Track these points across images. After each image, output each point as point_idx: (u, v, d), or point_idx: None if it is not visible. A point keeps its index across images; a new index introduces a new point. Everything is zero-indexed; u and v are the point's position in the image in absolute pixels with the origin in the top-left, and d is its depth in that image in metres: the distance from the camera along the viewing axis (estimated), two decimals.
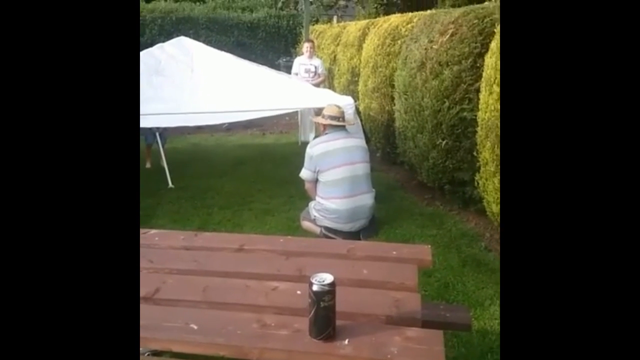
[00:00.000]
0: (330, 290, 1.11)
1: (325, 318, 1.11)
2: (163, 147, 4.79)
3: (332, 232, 3.24)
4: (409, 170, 4.48)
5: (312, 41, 6.52)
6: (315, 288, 1.11)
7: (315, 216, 3.30)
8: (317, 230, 3.30)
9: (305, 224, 3.41)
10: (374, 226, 3.40)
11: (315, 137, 4.01)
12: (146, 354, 1.64)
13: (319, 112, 3.77)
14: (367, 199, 3.28)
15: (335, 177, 3.20)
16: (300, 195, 3.78)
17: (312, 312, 1.11)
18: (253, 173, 5.06)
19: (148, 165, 5.21)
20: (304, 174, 3.33)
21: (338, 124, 3.36)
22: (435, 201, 4.00)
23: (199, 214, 3.86)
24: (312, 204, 3.35)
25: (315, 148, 3.29)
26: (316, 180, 3.30)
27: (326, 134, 3.35)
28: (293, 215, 3.72)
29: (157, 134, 4.72)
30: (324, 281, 1.11)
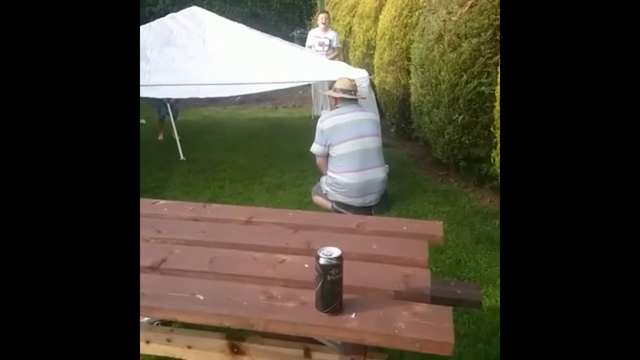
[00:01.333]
0: (337, 264, 1.08)
1: (331, 291, 1.09)
2: (175, 119, 4.77)
3: (343, 207, 3.21)
4: (424, 146, 4.40)
5: (327, 12, 6.37)
6: (322, 261, 1.08)
7: (326, 190, 3.27)
8: (329, 205, 3.28)
9: (317, 199, 3.39)
10: (385, 202, 3.37)
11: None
12: (155, 324, 1.65)
13: (332, 85, 3.71)
14: (378, 173, 3.24)
15: (345, 150, 3.16)
16: (312, 170, 3.74)
17: (319, 285, 1.09)
18: (265, 147, 5.03)
19: (160, 137, 5.21)
20: (315, 148, 3.30)
21: (350, 97, 3.30)
22: (449, 178, 3.94)
23: (211, 187, 3.86)
24: (323, 179, 3.33)
25: (326, 122, 3.25)
26: (327, 155, 3.27)
27: (337, 107, 3.30)
28: (304, 190, 3.70)
29: (169, 105, 4.69)
30: (331, 255, 1.09)
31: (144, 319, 1.71)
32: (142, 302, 1.16)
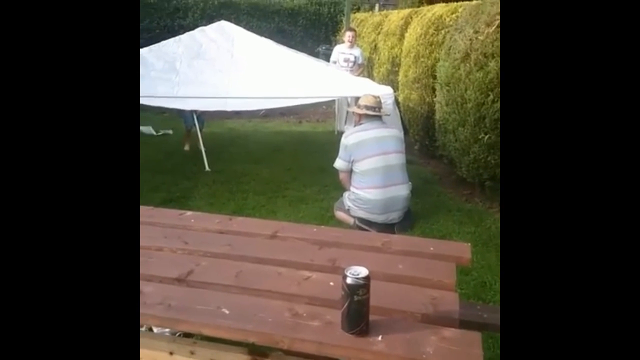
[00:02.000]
0: (364, 284, 1.07)
1: (358, 312, 1.08)
2: (201, 130, 4.85)
3: (365, 224, 3.19)
4: (448, 165, 4.37)
5: (354, 30, 6.42)
6: (349, 281, 1.07)
7: (349, 206, 3.26)
8: (351, 221, 3.27)
9: (339, 214, 3.38)
10: (409, 220, 3.33)
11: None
12: (177, 334, 1.66)
13: (357, 101, 3.73)
14: (402, 190, 3.22)
15: (369, 166, 3.16)
16: (335, 185, 3.74)
17: (345, 305, 1.08)
18: (288, 160, 5.06)
19: (186, 148, 5.29)
20: (339, 163, 3.30)
21: (374, 113, 3.30)
22: (474, 197, 3.88)
23: (235, 199, 3.89)
24: (346, 194, 3.32)
25: (350, 138, 3.26)
26: (350, 171, 3.27)
27: (361, 124, 3.31)
28: (327, 204, 3.69)
29: (195, 117, 4.77)
30: (358, 274, 1.08)
31: (165, 330, 1.73)
32: (169, 314, 1.18)
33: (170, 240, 1.57)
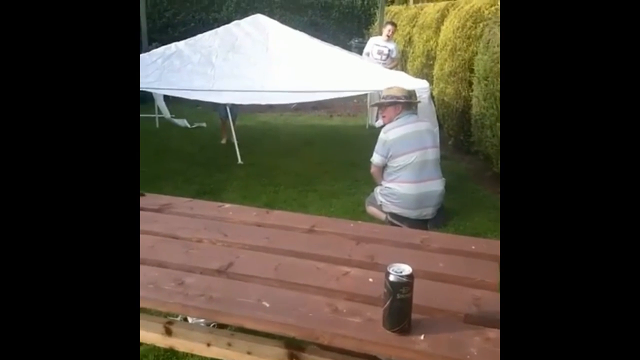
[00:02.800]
0: (408, 282, 1.06)
1: (400, 310, 1.06)
2: (234, 123, 4.90)
3: (397, 219, 3.16)
4: (484, 161, 4.27)
5: (394, 24, 6.32)
6: (392, 278, 1.06)
7: (381, 202, 3.23)
8: (383, 216, 3.24)
9: (371, 209, 3.35)
10: (442, 216, 3.28)
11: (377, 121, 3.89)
12: (212, 325, 1.68)
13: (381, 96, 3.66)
14: (436, 185, 3.17)
15: (406, 162, 3.12)
16: (366, 179, 3.71)
17: (388, 303, 1.07)
18: (319, 154, 5.05)
19: (223, 141, 5.32)
20: (375, 158, 3.25)
21: (412, 101, 3.27)
22: None
23: (266, 192, 3.92)
24: (377, 189, 3.29)
25: (390, 133, 3.19)
26: (384, 165, 3.24)
27: (399, 117, 3.25)
28: (358, 199, 3.67)
29: (228, 109, 4.80)
30: (401, 272, 1.06)
31: (200, 320, 1.75)
32: (210, 306, 1.19)
33: (210, 232, 1.59)
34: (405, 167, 3.12)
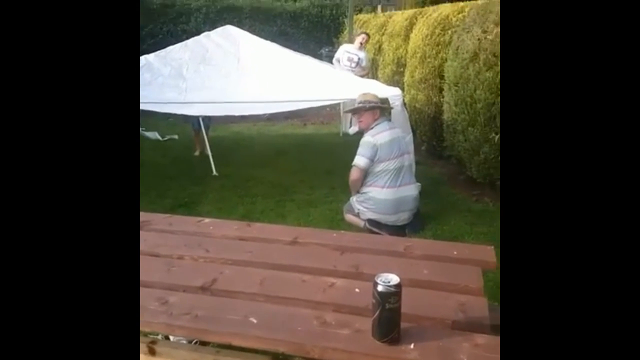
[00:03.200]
0: (396, 292, 1.06)
1: (390, 320, 1.07)
2: (207, 134, 4.84)
3: (375, 226, 3.18)
4: (457, 165, 4.35)
5: (368, 34, 6.40)
6: (380, 289, 1.06)
7: (358, 209, 3.25)
8: (361, 223, 3.25)
9: (349, 217, 3.37)
10: (419, 221, 3.32)
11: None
12: (194, 342, 1.64)
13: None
14: (411, 190, 3.22)
15: (388, 167, 3.14)
16: (343, 187, 3.72)
17: (377, 313, 1.07)
18: (295, 163, 5.05)
19: (197, 153, 5.27)
20: (361, 161, 3.16)
21: (389, 107, 3.33)
22: (484, 197, 3.87)
23: (243, 203, 3.88)
24: (354, 198, 3.30)
25: (379, 137, 3.16)
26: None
27: (377, 124, 3.24)
28: (336, 207, 3.68)
29: (200, 120, 4.75)
30: (389, 282, 1.07)
31: (181, 339, 1.71)
32: (197, 325, 1.17)
33: (191, 248, 1.56)
34: (386, 172, 3.15)
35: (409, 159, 3.28)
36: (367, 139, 3.21)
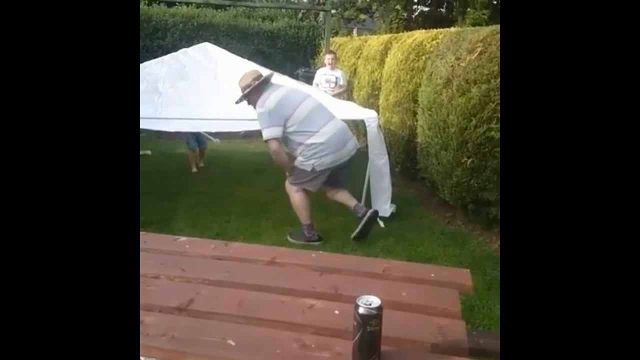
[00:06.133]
0: (377, 314, 1.06)
1: (371, 343, 1.06)
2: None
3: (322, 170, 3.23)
4: (430, 187, 4.43)
5: (334, 53, 6.55)
6: (361, 311, 1.06)
7: (312, 165, 3.21)
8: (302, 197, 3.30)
9: (290, 188, 3.40)
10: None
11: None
12: None
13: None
14: (337, 122, 3.27)
15: (302, 114, 3.14)
16: (319, 206, 3.73)
17: (357, 336, 1.06)
18: (270, 181, 5.02)
19: (194, 169, 5.36)
20: (270, 132, 3.09)
21: (268, 77, 3.32)
22: (456, 220, 3.94)
23: (217, 221, 3.83)
24: (299, 160, 3.24)
25: (268, 102, 3.13)
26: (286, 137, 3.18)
27: (265, 93, 3.23)
28: None
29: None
30: (370, 304, 1.07)
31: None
32: (174, 346, 1.14)
33: (167, 267, 1.53)
34: (307, 119, 3.13)
35: (314, 99, 3.30)
36: (258, 111, 3.15)
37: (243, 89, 3.31)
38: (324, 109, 3.32)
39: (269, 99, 3.17)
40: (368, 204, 3.87)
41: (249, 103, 3.38)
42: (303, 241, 3.39)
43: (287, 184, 3.46)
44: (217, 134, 6.56)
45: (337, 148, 3.23)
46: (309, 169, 3.25)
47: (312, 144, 3.17)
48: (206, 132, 5.89)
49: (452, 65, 3.83)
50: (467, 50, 3.72)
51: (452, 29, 4.68)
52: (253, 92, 3.26)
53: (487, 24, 8.39)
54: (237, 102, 3.39)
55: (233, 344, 1.14)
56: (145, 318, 1.22)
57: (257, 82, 3.25)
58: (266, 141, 3.19)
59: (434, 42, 4.63)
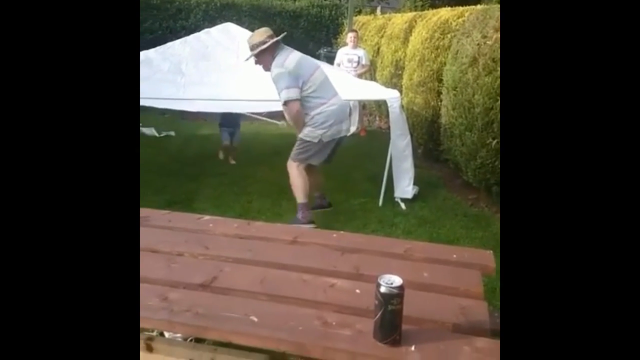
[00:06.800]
0: (398, 294, 1.06)
1: (392, 322, 1.07)
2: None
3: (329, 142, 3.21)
4: (453, 169, 4.37)
5: (356, 31, 6.45)
6: (383, 290, 1.06)
7: (319, 136, 3.15)
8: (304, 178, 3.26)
9: (293, 167, 3.36)
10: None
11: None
12: (189, 340, 1.64)
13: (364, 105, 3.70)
14: (340, 97, 3.22)
15: (317, 80, 3.08)
16: (339, 188, 3.73)
17: (379, 314, 1.07)
18: None
19: (221, 156, 5.20)
20: (289, 93, 2.93)
21: (279, 38, 3.13)
22: (480, 202, 3.88)
23: (240, 201, 3.87)
24: (306, 130, 3.17)
25: (287, 62, 2.99)
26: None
27: (279, 54, 3.07)
28: (332, 208, 3.68)
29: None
30: (392, 283, 1.07)
31: (177, 335, 1.70)
32: (198, 322, 1.16)
33: (191, 245, 1.56)
34: (322, 85, 3.08)
35: (323, 72, 3.20)
36: (276, 71, 2.97)
37: (255, 46, 3.08)
38: (330, 82, 3.27)
39: (288, 59, 3.01)
40: (390, 185, 3.84)
41: (257, 63, 3.19)
42: (297, 224, 3.16)
43: (289, 161, 3.38)
44: (242, 116, 6.58)
45: (341, 120, 3.19)
46: (315, 140, 3.19)
47: (323, 111, 3.11)
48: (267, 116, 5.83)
49: (478, 44, 3.73)
50: (493, 28, 3.61)
51: (479, 7, 4.54)
52: (267, 52, 3.06)
53: None
54: (246, 60, 3.25)
55: (256, 320, 1.16)
56: (170, 294, 1.25)
57: (272, 40, 3.07)
58: (285, 103, 3.01)
59: (460, 19, 4.50)
